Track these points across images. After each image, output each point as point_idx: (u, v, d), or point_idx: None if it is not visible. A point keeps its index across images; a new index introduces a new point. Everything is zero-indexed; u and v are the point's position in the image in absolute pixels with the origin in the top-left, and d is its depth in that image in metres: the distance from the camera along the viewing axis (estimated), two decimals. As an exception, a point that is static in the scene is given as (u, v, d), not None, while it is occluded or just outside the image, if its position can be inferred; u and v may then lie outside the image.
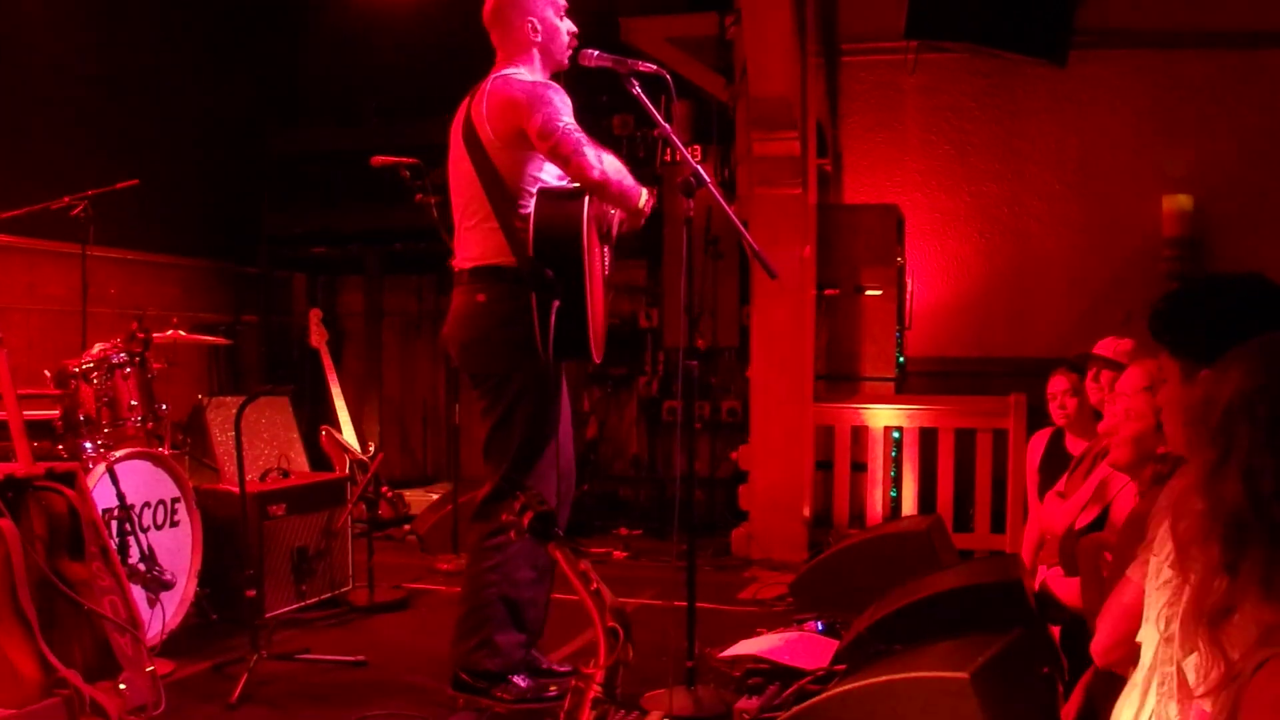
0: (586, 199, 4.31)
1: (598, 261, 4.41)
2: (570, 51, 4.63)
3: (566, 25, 4.63)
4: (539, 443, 4.50)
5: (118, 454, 5.03)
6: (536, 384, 4.47)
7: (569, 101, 4.42)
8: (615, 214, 4.60)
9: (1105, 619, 2.80)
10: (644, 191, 4.48)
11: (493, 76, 4.52)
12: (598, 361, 4.45)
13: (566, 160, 4.29)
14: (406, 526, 8.09)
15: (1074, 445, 5.48)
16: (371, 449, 7.30)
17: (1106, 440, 4.92)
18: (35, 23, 7.31)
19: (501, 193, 4.41)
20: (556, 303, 4.27)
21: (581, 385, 9.30)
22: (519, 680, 4.51)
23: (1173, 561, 2.28)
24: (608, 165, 4.32)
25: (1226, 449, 1.83)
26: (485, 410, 4.58)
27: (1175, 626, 2.20)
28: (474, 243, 4.49)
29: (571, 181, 4.37)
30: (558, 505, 4.54)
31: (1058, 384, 5.50)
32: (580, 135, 4.30)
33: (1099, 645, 2.86)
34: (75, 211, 6.24)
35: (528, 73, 4.54)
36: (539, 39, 4.58)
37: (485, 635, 4.47)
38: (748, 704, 4.37)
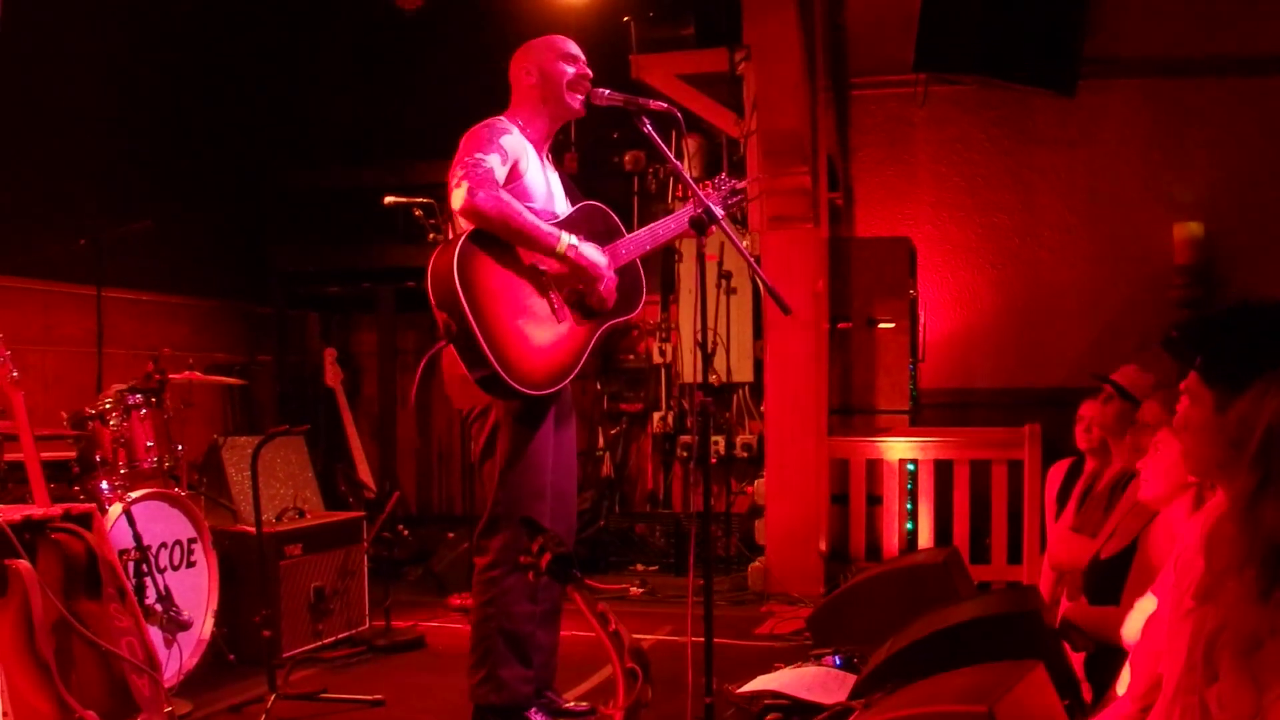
0: (462, 238, 4.28)
1: (509, 299, 4.36)
2: (579, 99, 4.65)
3: (574, 70, 4.63)
4: (522, 475, 4.50)
5: (134, 495, 5.05)
6: (514, 418, 4.48)
7: (508, 143, 4.44)
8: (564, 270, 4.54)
9: (1138, 660, 2.78)
10: (564, 237, 4.41)
11: None
12: (534, 394, 4.38)
13: (453, 190, 4.31)
14: (422, 565, 8.08)
15: (1093, 474, 5.46)
16: (387, 488, 7.30)
17: (1117, 469, 4.91)
18: (47, 66, 7.37)
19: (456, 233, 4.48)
20: (442, 342, 4.30)
21: (595, 421, 9.30)
22: (535, 717, 4.51)
23: (1195, 592, 2.27)
24: (483, 198, 4.25)
25: (1266, 474, 1.81)
26: (473, 442, 4.63)
27: (1197, 657, 2.19)
28: None
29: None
30: None
31: (1088, 409, 5.48)
32: (471, 171, 4.29)
33: (1136, 690, 2.84)
34: (90, 253, 6.29)
35: (522, 119, 4.60)
36: (534, 80, 4.62)
37: (488, 670, 4.48)
38: (767, 739, 4.36)
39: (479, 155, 4.33)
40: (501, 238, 4.36)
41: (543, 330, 4.41)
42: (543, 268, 4.46)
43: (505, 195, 4.33)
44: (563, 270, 4.50)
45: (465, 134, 4.47)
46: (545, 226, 4.40)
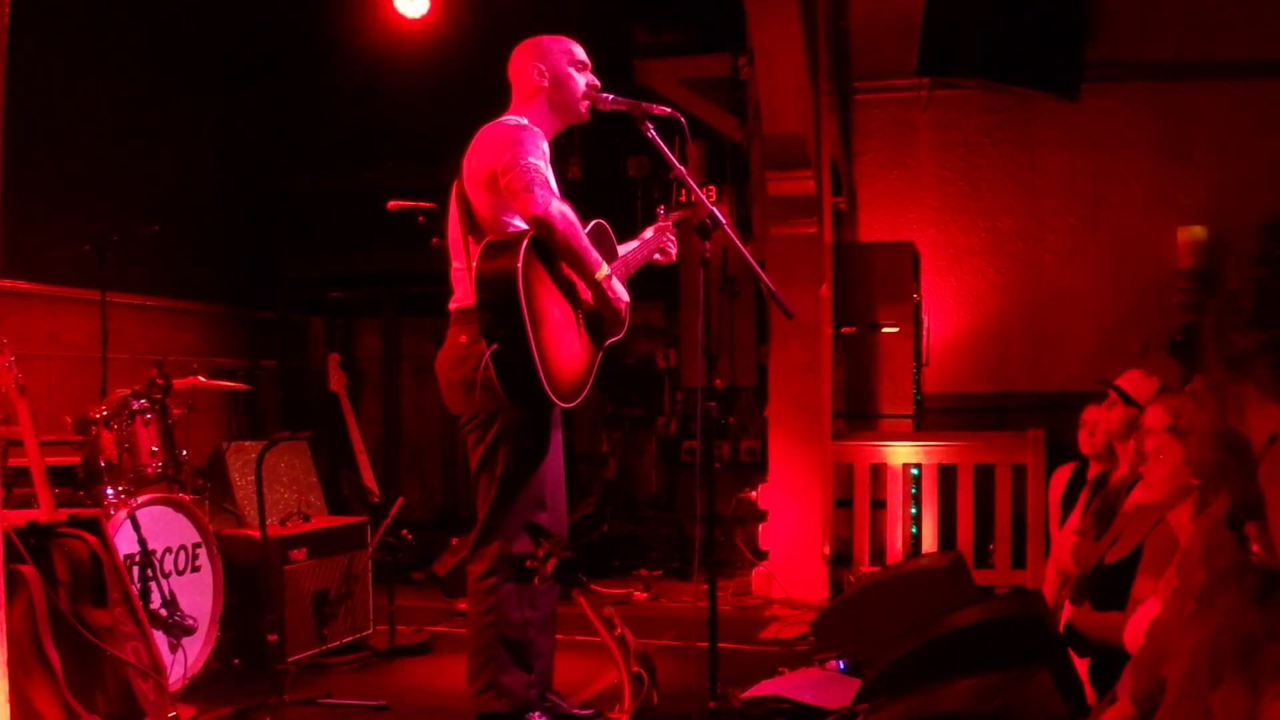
0: (523, 246, 4.27)
1: (551, 310, 4.38)
2: (588, 104, 4.64)
3: (585, 79, 4.64)
4: (521, 484, 4.49)
5: (139, 500, 5.05)
6: (519, 425, 4.47)
7: (546, 149, 4.45)
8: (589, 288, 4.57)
9: (1140, 664, 2.77)
10: (603, 266, 4.44)
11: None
12: (565, 406, 4.43)
13: (515, 194, 4.28)
14: (427, 569, 8.08)
15: (1095, 479, 5.46)
16: (391, 492, 7.30)
17: (1122, 474, 4.91)
18: (54, 70, 7.38)
19: (476, 235, 4.46)
20: (494, 346, 4.26)
21: (599, 425, 9.31)
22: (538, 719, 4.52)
23: (1198, 595, 2.26)
24: (556, 210, 4.27)
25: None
26: (471, 450, 4.60)
27: (1201, 660, 2.19)
28: (458, 284, 4.53)
29: (520, 218, 4.37)
30: None
31: (1091, 414, 5.49)
32: (537, 175, 4.28)
33: (1137, 693, 2.84)
34: (95, 258, 6.30)
35: (529, 120, 4.57)
36: (545, 83, 4.61)
37: (490, 677, 4.47)
38: (771, 744, 4.36)
39: (533, 160, 4.32)
40: (556, 250, 4.38)
41: (571, 343, 4.45)
42: (575, 279, 4.49)
43: (569, 211, 4.34)
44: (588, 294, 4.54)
45: (496, 132, 4.46)
46: (593, 252, 4.43)
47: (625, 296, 4.59)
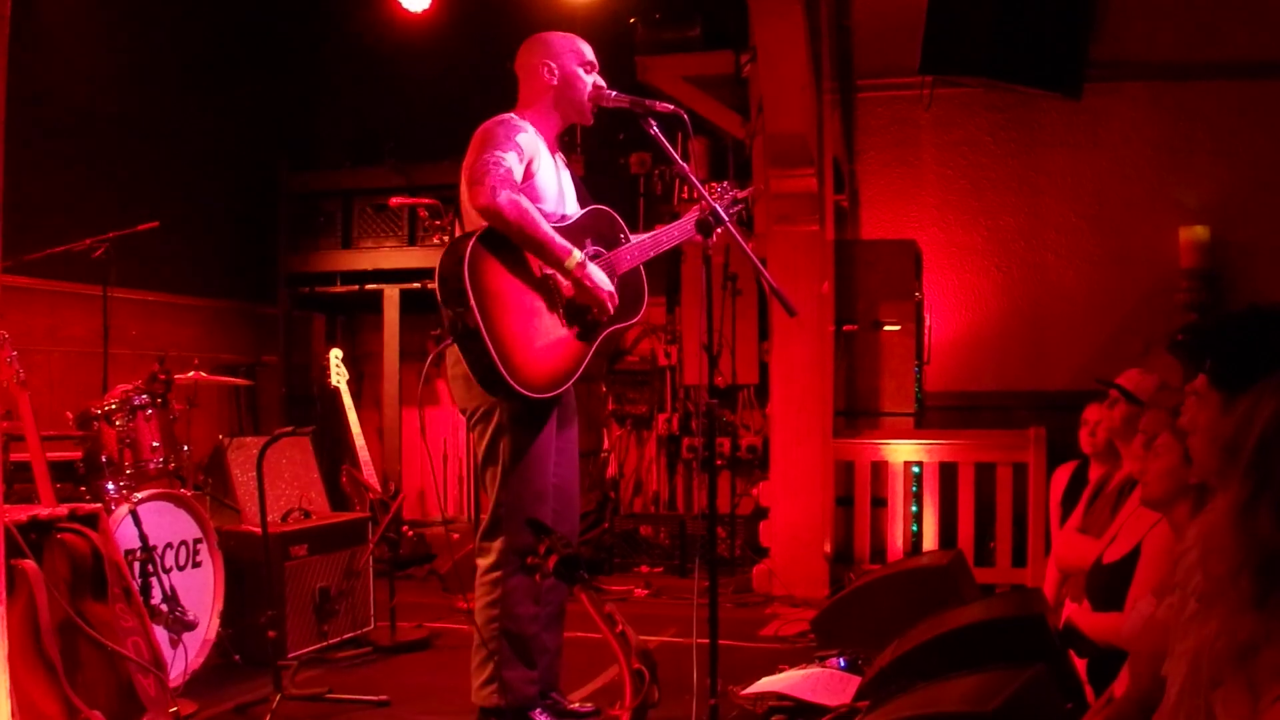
0: (474, 236, 4.26)
1: (516, 300, 4.34)
2: (593, 107, 4.63)
3: (592, 79, 4.63)
4: (522, 478, 4.49)
5: (140, 495, 5.06)
6: (516, 419, 4.47)
7: (523, 142, 4.41)
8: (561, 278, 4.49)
9: (1136, 663, 2.76)
10: (574, 254, 4.36)
11: None
12: (535, 398, 4.37)
13: (469, 189, 4.28)
14: (428, 566, 8.09)
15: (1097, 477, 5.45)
16: (392, 488, 7.30)
17: (1125, 473, 4.91)
18: (56, 66, 7.38)
19: (463, 230, 4.48)
20: (448, 339, 4.29)
21: (600, 423, 9.30)
22: (540, 718, 4.51)
23: (1200, 595, 2.26)
24: (505, 199, 4.22)
25: (1261, 482, 1.79)
26: (476, 444, 4.61)
27: (1202, 660, 2.19)
28: None
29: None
30: None
31: (1092, 413, 5.48)
32: (493, 168, 4.26)
33: (1135, 692, 2.84)
34: (96, 254, 6.30)
35: (530, 116, 4.57)
36: (555, 82, 4.60)
37: (492, 672, 4.47)
38: (771, 741, 4.35)
39: (498, 153, 4.30)
40: (515, 242, 4.34)
41: (547, 333, 4.40)
42: (549, 270, 4.45)
43: (525, 200, 4.30)
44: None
45: (478, 130, 4.44)
46: (559, 240, 4.36)
47: (607, 285, 4.48)
